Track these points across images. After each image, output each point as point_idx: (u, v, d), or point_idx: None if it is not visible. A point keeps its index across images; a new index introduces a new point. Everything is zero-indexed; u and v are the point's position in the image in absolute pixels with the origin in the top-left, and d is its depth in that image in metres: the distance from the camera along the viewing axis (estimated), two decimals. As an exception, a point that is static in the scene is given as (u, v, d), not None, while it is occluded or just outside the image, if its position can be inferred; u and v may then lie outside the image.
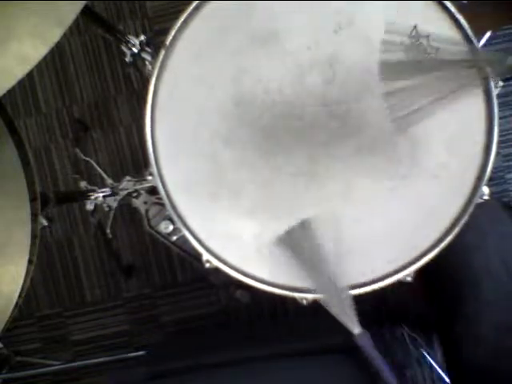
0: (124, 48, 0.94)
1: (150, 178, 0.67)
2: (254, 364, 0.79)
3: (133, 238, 1.37)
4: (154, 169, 0.66)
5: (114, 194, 1.01)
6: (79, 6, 0.57)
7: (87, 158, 1.26)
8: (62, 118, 1.39)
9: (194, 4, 0.67)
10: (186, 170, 0.67)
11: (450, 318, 0.78)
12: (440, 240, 0.64)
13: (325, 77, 0.66)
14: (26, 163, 0.71)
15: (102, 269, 1.39)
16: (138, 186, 0.99)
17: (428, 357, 1.04)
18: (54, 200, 0.89)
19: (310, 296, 0.64)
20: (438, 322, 0.85)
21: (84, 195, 1.02)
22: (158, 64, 0.67)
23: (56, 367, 1.17)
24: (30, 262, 0.68)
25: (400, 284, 0.64)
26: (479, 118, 0.65)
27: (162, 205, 0.74)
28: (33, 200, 0.71)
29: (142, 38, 0.94)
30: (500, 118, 0.64)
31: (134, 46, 0.93)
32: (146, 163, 0.68)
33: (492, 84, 0.64)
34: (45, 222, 0.82)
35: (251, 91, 0.67)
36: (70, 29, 0.56)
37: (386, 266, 0.64)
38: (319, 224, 0.64)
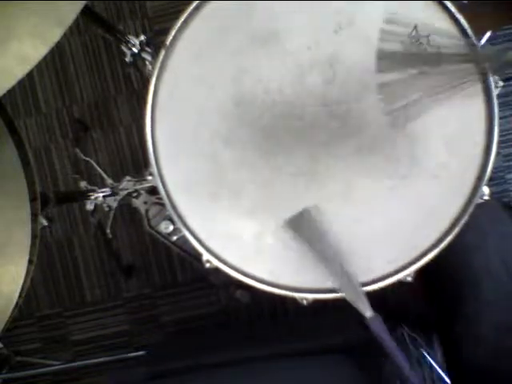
0: (124, 48, 0.94)
1: (150, 177, 0.67)
2: (254, 364, 0.79)
3: (133, 238, 1.37)
4: (154, 169, 0.66)
5: (113, 193, 1.01)
6: (79, 5, 0.57)
7: (87, 158, 1.26)
8: (61, 117, 1.39)
9: (194, 4, 0.67)
10: (186, 170, 0.67)
11: (449, 318, 0.78)
12: (440, 240, 0.64)
13: (325, 77, 0.66)
14: (26, 163, 0.71)
15: (102, 269, 1.40)
16: (138, 186, 1.00)
17: (428, 357, 1.04)
18: (53, 200, 0.89)
19: (310, 296, 0.64)
20: (438, 322, 0.85)
21: (84, 195, 1.02)
22: (158, 64, 0.67)
23: (56, 367, 1.17)
24: (30, 262, 0.68)
25: (400, 284, 0.63)
26: (479, 117, 0.65)
27: (162, 205, 0.74)
28: (33, 200, 0.71)
29: (142, 37, 0.94)
30: (500, 118, 0.64)
31: (133, 45, 0.93)
32: (146, 163, 0.68)
33: (492, 84, 0.64)
34: (45, 222, 0.82)
35: (251, 91, 0.67)
36: (70, 29, 0.56)
37: (386, 266, 0.64)
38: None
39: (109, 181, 1.08)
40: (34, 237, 0.69)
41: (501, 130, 0.64)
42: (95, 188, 1.03)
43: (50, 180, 1.39)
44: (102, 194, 1.01)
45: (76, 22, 0.56)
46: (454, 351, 0.79)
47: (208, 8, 0.67)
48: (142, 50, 0.94)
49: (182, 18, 0.67)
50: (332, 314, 0.89)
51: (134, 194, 1.00)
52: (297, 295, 0.64)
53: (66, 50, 1.39)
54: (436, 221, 0.64)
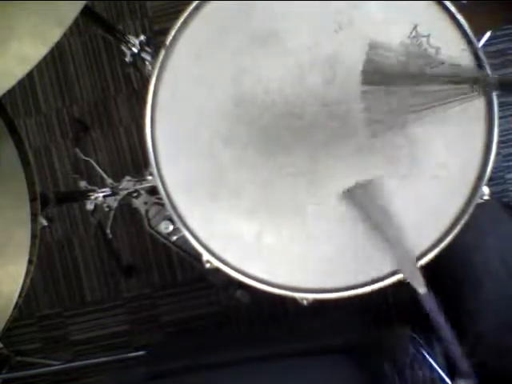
0: (124, 48, 0.94)
1: (150, 178, 0.67)
2: (254, 364, 0.79)
3: (133, 238, 1.37)
4: (153, 169, 0.66)
5: (114, 193, 1.01)
6: (79, 5, 0.57)
7: (87, 158, 1.26)
8: (61, 117, 1.39)
9: (194, 4, 0.67)
10: (186, 170, 0.67)
11: (450, 318, 0.78)
12: (440, 240, 0.64)
13: (325, 77, 0.66)
14: (26, 163, 0.71)
15: (102, 269, 1.39)
16: (138, 186, 0.99)
17: (428, 357, 1.04)
18: (53, 200, 0.89)
19: (310, 296, 0.64)
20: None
21: (84, 195, 1.02)
22: (158, 64, 0.67)
23: (56, 367, 1.17)
24: (30, 262, 0.68)
25: (400, 284, 0.63)
26: (479, 117, 0.65)
27: (162, 205, 0.74)
28: (33, 200, 0.71)
29: (142, 37, 0.94)
30: (500, 118, 0.64)
31: (133, 45, 0.93)
32: (146, 163, 0.68)
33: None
34: (45, 222, 0.82)
35: (251, 91, 0.67)
36: (70, 29, 0.56)
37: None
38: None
39: (109, 181, 1.08)
40: (33, 237, 0.69)
41: (501, 130, 0.64)
42: (95, 188, 1.03)
43: (50, 180, 1.39)
44: (102, 194, 1.01)
45: (76, 22, 0.56)
46: (454, 351, 0.79)
47: (208, 8, 0.67)
48: (141, 49, 0.94)
49: (182, 18, 0.67)
50: (332, 314, 0.89)
51: (134, 194, 1.00)
52: (297, 295, 0.64)
53: (66, 49, 1.38)
54: (436, 221, 0.64)
